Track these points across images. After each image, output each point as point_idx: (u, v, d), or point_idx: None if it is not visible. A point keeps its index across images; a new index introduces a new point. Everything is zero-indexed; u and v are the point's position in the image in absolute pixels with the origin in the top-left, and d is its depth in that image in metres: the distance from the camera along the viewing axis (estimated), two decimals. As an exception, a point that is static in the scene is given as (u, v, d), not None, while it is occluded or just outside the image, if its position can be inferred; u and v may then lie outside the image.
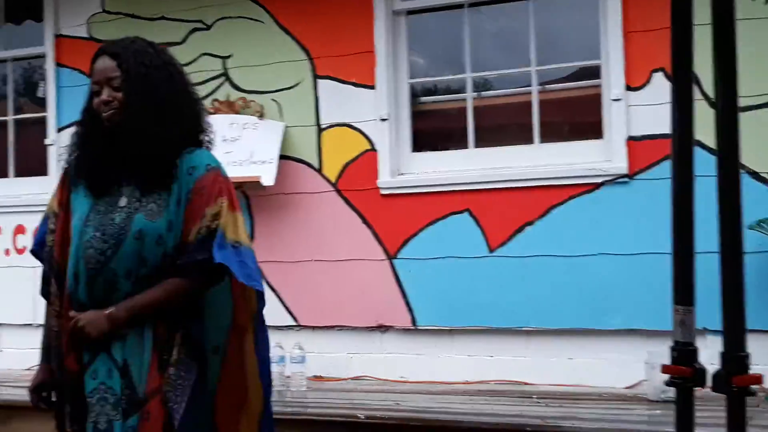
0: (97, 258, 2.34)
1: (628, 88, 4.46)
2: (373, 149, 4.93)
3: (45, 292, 2.56)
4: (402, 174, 4.93)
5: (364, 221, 4.94)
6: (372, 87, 4.94)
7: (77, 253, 2.39)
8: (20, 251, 5.64)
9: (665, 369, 1.91)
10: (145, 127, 2.35)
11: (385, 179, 4.89)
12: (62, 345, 2.43)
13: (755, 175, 4.19)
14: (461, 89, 4.98)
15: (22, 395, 4.46)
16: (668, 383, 1.92)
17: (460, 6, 4.91)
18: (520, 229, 4.62)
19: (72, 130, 2.56)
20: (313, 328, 5.03)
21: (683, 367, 1.87)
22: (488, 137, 4.88)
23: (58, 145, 5.50)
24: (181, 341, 2.38)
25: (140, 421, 2.28)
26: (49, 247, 2.52)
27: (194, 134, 2.50)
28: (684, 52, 1.81)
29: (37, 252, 2.61)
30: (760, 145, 4.10)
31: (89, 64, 2.47)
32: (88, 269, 2.35)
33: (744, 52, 1.90)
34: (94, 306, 2.34)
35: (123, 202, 2.39)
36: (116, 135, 2.38)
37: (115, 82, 2.38)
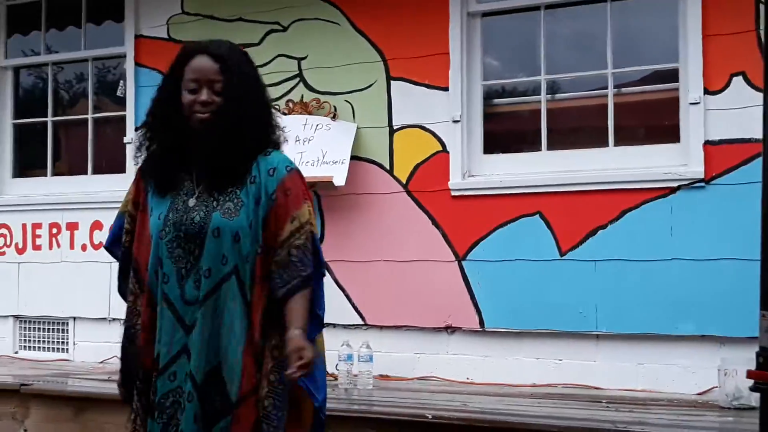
0: (187, 258, 2.39)
1: (706, 91, 4.40)
2: (445, 151, 4.95)
3: (123, 291, 2.59)
4: (473, 176, 4.93)
5: (434, 222, 4.96)
6: (445, 89, 4.95)
7: (158, 251, 2.43)
8: (96, 247, 5.76)
9: (750, 374, 1.89)
10: (235, 134, 2.39)
11: (456, 181, 4.90)
12: (140, 342, 2.47)
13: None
14: (534, 91, 4.96)
15: (96, 387, 4.63)
16: (752, 388, 1.91)
17: (536, 8, 4.90)
18: (592, 233, 4.59)
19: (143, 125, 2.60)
20: (381, 327, 5.06)
21: (769, 372, 1.85)
22: (561, 140, 4.86)
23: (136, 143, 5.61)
24: (277, 342, 2.40)
25: (231, 423, 2.32)
26: (125, 247, 2.57)
27: (269, 139, 2.53)
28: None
29: (110, 249, 2.66)
30: None
31: (176, 60, 2.47)
32: (178, 268, 2.40)
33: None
34: (183, 304, 2.38)
35: (198, 200, 2.43)
36: (202, 135, 2.40)
37: (217, 85, 2.39)
